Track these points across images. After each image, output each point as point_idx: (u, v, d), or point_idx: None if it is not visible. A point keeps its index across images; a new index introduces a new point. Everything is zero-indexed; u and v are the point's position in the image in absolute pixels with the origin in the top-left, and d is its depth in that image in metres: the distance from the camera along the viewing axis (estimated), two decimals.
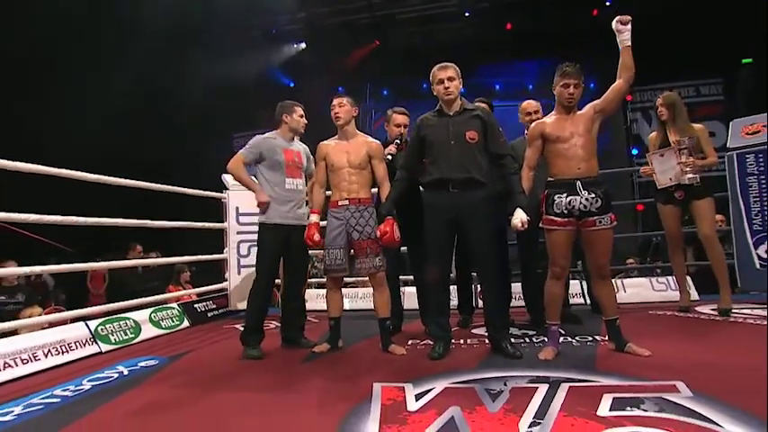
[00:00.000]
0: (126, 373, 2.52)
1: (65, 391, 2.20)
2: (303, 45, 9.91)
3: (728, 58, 8.77)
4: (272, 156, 2.87)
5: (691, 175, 3.14)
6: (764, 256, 3.55)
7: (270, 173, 2.88)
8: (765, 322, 2.96)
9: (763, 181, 3.56)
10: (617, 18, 2.32)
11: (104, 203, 4.89)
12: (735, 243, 3.76)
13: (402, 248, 3.31)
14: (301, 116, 2.99)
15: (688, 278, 3.59)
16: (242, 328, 2.89)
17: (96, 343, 3.03)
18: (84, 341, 2.96)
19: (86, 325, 3.08)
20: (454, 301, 3.39)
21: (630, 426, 1.50)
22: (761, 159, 3.61)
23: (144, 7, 7.24)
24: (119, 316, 3.41)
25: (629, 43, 2.30)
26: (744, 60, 8.93)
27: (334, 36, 9.34)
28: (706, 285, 3.71)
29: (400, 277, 3.49)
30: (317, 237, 2.76)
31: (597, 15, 8.60)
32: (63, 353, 2.78)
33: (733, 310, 3.18)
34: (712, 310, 3.32)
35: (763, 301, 3.59)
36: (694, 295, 3.86)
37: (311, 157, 3.07)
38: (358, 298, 4.35)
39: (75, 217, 3.03)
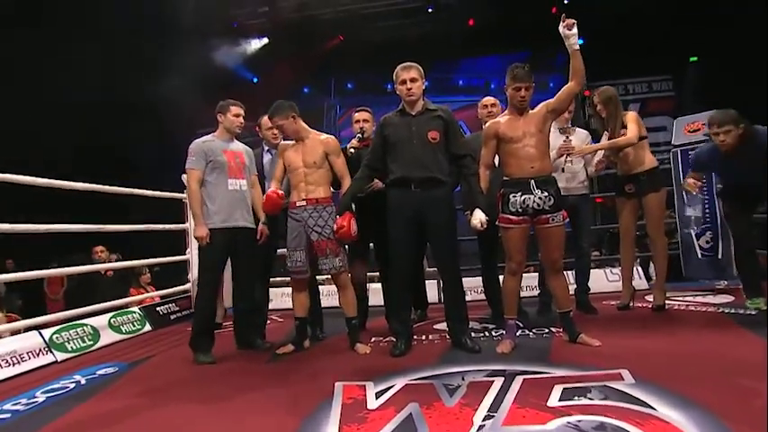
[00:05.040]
0: (83, 382, 2.46)
1: (16, 405, 2.12)
2: (266, 40, 9.72)
3: (677, 56, 9.20)
4: (214, 157, 2.81)
5: (566, 162, 3.02)
6: (705, 246, 3.79)
7: (212, 175, 2.81)
8: (707, 309, 3.17)
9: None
10: (563, 23, 2.37)
11: (59, 205, 4.70)
12: (679, 234, 3.99)
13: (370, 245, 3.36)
14: (236, 115, 2.89)
15: (638, 269, 3.76)
16: (191, 334, 2.80)
17: (51, 352, 2.93)
18: (37, 351, 2.86)
19: (40, 334, 2.97)
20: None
21: (576, 414, 1.59)
22: None
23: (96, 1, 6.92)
24: (76, 323, 3.31)
25: (578, 47, 2.37)
26: (691, 58, 9.39)
27: (297, 31, 9.20)
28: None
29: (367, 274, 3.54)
30: (280, 191, 2.76)
31: (556, 13, 8.86)
32: (14, 364, 2.68)
33: (678, 298, 3.38)
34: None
35: (704, 288, 3.83)
36: (642, 284, 4.08)
37: (253, 157, 3.06)
38: (323, 296, 4.35)
39: (23, 225, 2.92)
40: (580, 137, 3.38)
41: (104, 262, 5.56)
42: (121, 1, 6.99)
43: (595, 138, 3.45)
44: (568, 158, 3.04)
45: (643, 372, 1.92)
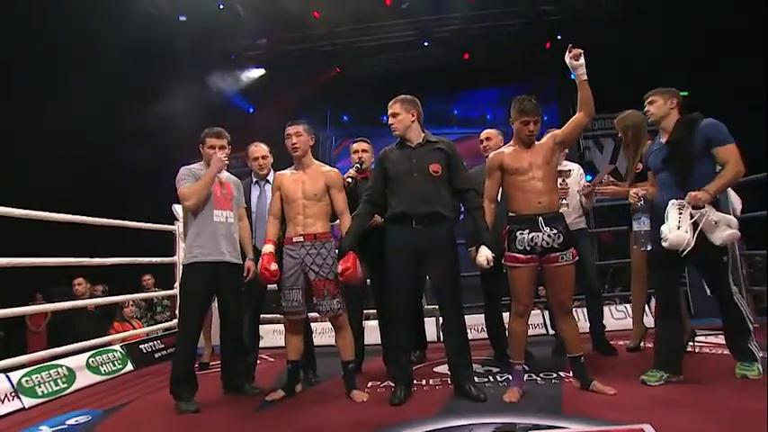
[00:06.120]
0: None
1: None
2: (263, 71, 9.79)
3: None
4: None
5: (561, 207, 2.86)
6: None
7: None
8: (723, 350, 3.00)
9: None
10: (569, 53, 2.30)
11: (46, 234, 4.53)
12: (687, 270, 3.84)
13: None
14: (211, 147, 2.68)
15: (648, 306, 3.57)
16: (170, 379, 2.55)
17: (19, 398, 2.70)
18: (2, 397, 2.62)
19: (8, 377, 2.74)
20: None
21: None
22: None
23: (94, 31, 6.94)
24: (49, 364, 3.08)
25: (586, 77, 2.29)
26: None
27: (294, 62, 9.30)
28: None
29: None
30: (273, 266, 2.51)
31: (550, 48, 9.03)
32: None
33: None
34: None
35: (716, 327, 3.65)
36: (650, 322, 3.89)
37: (242, 188, 2.92)
38: (316, 333, 4.14)
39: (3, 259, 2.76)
40: (575, 176, 3.26)
41: (84, 293, 5.33)
42: (119, 30, 7.01)
43: (591, 170, 3.34)
44: (564, 202, 2.94)
45: (667, 427, 1.75)
